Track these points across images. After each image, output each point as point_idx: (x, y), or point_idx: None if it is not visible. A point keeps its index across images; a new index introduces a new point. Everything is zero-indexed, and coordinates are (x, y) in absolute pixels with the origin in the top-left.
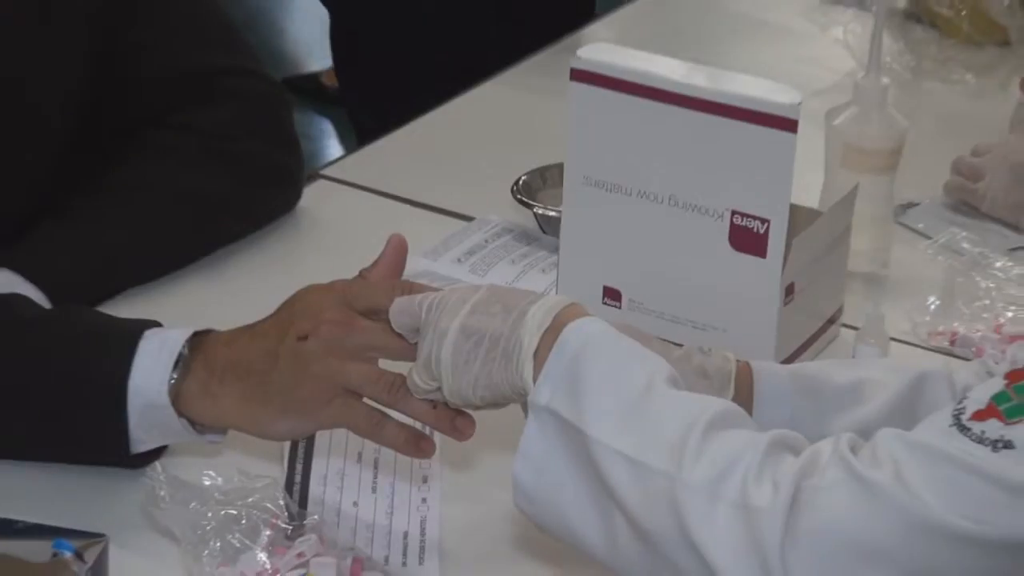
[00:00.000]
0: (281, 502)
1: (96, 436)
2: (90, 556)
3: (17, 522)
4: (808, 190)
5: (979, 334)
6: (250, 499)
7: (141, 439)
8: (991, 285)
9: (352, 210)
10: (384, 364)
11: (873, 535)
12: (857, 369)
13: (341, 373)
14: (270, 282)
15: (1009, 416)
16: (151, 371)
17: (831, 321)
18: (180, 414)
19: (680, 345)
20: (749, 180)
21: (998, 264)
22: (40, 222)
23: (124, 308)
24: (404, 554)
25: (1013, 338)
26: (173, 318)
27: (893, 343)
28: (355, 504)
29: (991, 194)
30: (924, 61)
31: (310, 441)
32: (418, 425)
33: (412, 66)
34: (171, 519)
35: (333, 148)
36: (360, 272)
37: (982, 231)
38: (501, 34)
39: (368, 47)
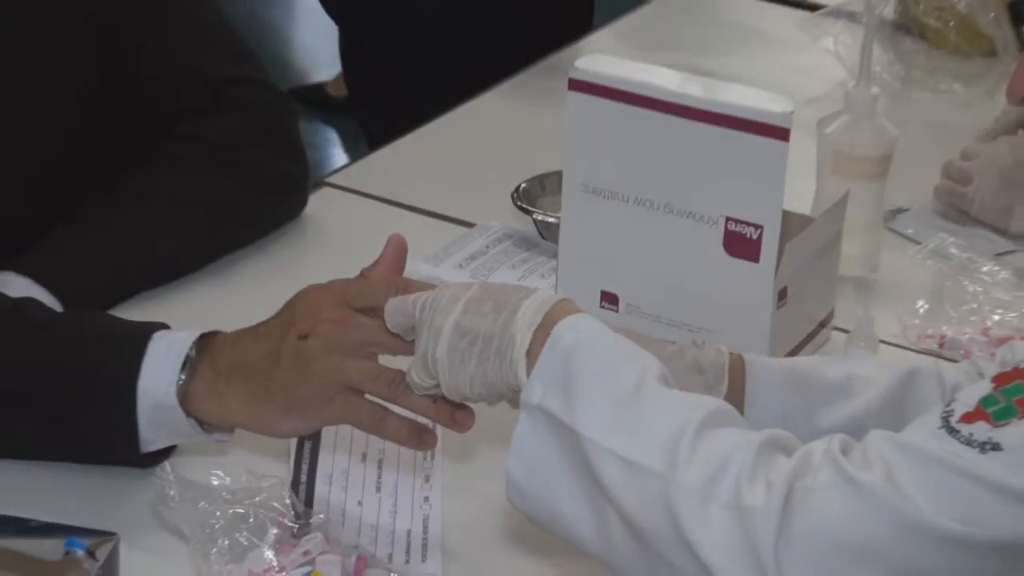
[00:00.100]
0: (288, 501)
1: (107, 436)
2: (101, 554)
3: (30, 521)
4: (800, 197)
5: (967, 337)
6: (257, 498)
7: (150, 439)
8: (979, 289)
9: (356, 217)
10: (385, 360)
11: (865, 536)
12: (848, 365)
13: (342, 371)
14: (276, 286)
15: (997, 419)
16: (159, 373)
17: (823, 324)
18: (188, 414)
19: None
20: (743, 187)
21: (985, 268)
22: (49, 229)
23: (135, 312)
24: (407, 552)
25: (1000, 341)
26: (182, 322)
27: (883, 346)
28: (359, 503)
29: (979, 198)
30: (913, 71)
31: (316, 441)
32: (419, 418)
33: (417, 74)
34: (180, 518)
35: (338, 156)
36: (361, 271)
37: (970, 236)
38: (503, 44)
39: (375, 56)
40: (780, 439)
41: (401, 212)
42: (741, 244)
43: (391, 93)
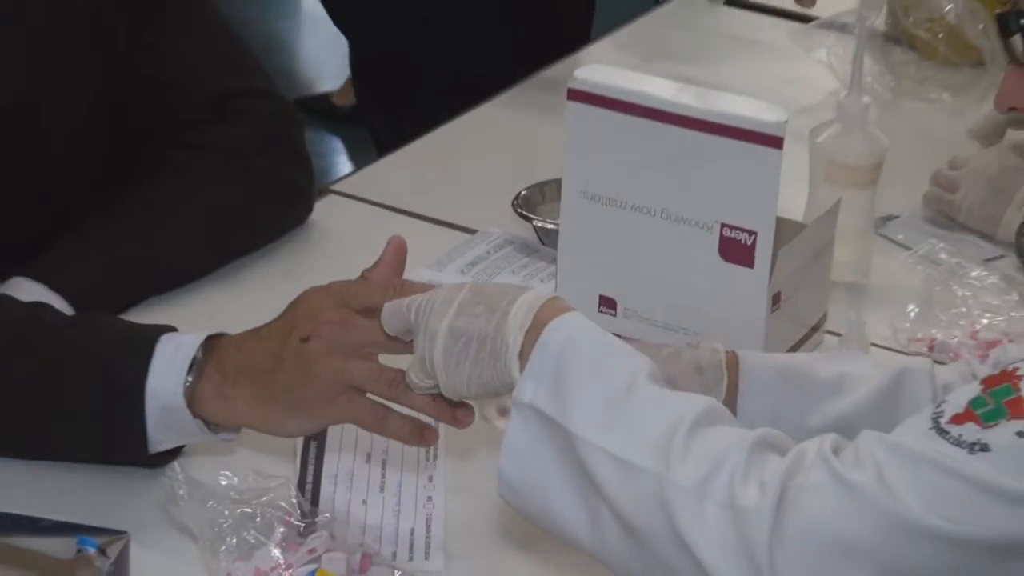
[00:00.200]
0: (294, 500)
1: (116, 438)
2: (112, 552)
3: (43, 520)
4: (793, 204)
5: (956, 340)
6: (264, 498)
7: (159, 440)
8: (967, 293)
9: (360, 223)
10: (386, 359)
11: (856, 534)
12: (841, 364)
13: (343, 372)
14: (282, 291)
15: (986, 420)
16: (167, 376)
17: (815, 328)
18: (195, 415)
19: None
20: (737, 194)
21: (974, 273)
22: (54, 238)
23: (144, 316)
24: (411, 550)
25: (989, 343)
26: (190, 325)
27: (874, 349)
28: (364, 502)
29: (967, 205)
30: (903, 81)
31: (321, 442)
32: (420, 416)
33: (421, 80)
34: (189, 517)
35: (343, 165)
36: (362, 272)
37: (959, 242)
38: (503, 53)
39: (380, 61)
40: (772, 438)
41: (404, 219)
42: (736, 250)
43: (397, 99)
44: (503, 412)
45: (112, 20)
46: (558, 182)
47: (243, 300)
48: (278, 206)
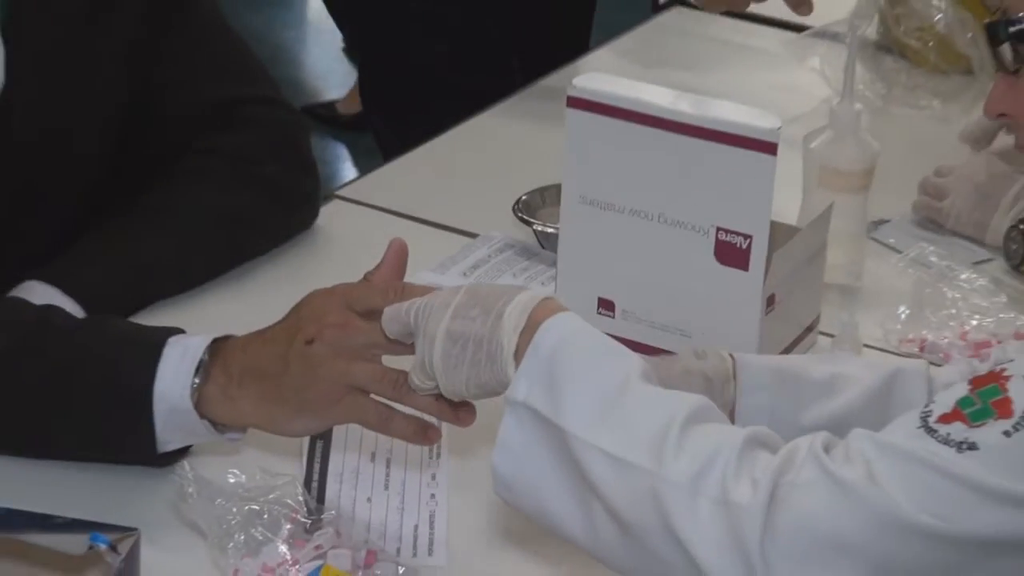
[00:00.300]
0: (300, 498)
1: (125, 438)
2: (123, 548)
3: (56, 517)
4: (787, 208)
5: (946, 341)
6: (272, 495)
7: (167, 440)
8: (957, 296)
9: (365, 228)
10: (388, 360)
11: (846, 531)
12: (835, 364)
13: (347, 374)
14: (288, 294)
15: (973, 420)
16: (174, 379)
17: (809, 329)
18: (202, 416)
19: (670, 352)
20: (732, 199)
21: (963, 276)
22: (71, 242)
23: (153, 318)
24: (414, 546)
25: (978, 344)
26: (198, 328)
27: (866, 350)
28: (369, 500)
29: (955, 212)
30: (894, 89)
31: (327, 441)
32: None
33: (422, 86)
34: (198, 514)
35: (347, 171)
36: (364, 275)
37: (949, 246)
38: (505, 62)
39: (383, 66)
40: (762, 436)
41: (408, 223)
42: (731, 253)
43: (402, 107)
44: None
45: (138, 33)
46: (558, 187)
47: (250, 303)
48: (285, 211)
